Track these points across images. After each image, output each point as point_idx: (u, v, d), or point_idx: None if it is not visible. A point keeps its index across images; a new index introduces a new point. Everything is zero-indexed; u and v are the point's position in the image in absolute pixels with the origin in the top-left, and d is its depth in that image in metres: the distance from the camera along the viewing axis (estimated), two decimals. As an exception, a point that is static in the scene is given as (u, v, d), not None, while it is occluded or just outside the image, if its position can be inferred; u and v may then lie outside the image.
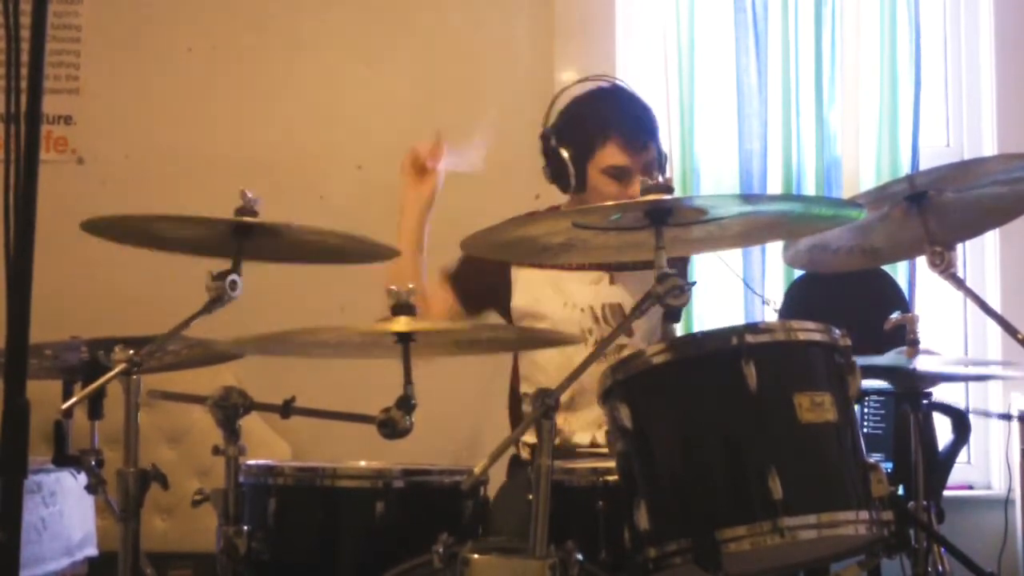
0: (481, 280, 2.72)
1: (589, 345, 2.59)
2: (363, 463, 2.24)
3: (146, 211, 2.08)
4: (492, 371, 2.86)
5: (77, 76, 3.98)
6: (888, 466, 2.97)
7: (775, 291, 3.73)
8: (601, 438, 2.55)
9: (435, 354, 2.20)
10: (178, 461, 3.67)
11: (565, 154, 2.63)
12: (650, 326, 2.68)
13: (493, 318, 2.78)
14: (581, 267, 2.71)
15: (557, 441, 1.83)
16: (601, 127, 2.63)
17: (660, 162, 2.68)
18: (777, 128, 3.84)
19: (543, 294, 2.71)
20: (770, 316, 3.67)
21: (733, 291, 3.77)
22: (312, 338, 2.16)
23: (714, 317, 3.75)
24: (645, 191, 1.90)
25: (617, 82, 2.79)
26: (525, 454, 2.57)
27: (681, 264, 2.75)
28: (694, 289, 1.96)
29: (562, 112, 2.69)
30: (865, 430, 3.07)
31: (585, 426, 2.61)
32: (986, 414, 3.44)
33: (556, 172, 2.66)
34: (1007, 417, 3.46)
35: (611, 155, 2.61)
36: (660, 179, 2.56)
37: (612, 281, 2.72)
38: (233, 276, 2.08)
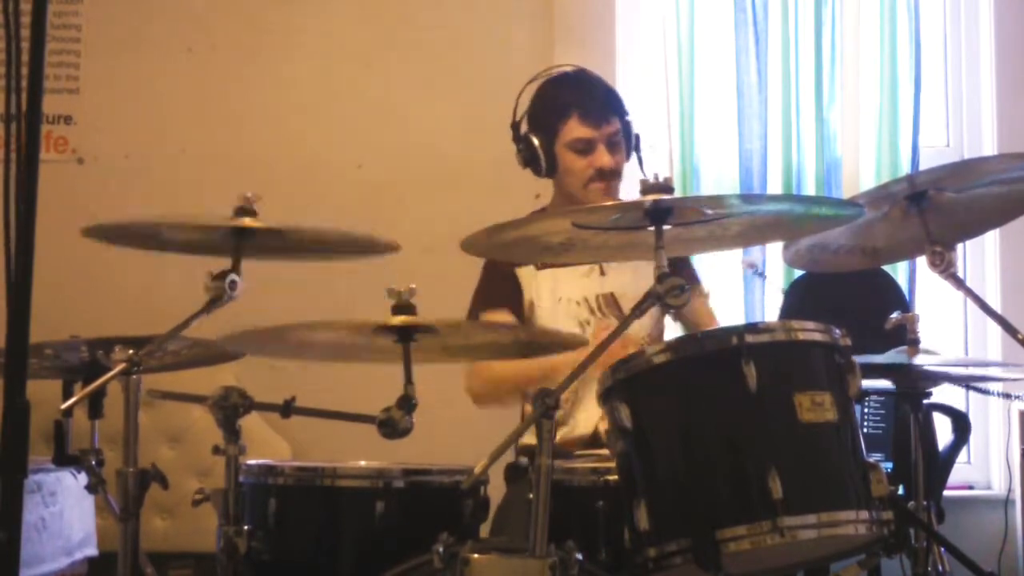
0: (509, 297, 2.75)
1: (587, 335, 2.61)
2: (363, 463, 2.24)
3: (146, 210, 2.08)
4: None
5: (77, 76, 3.98)
6: (888, 466, 2.97)
7: (774, 291, 3.73)
8: (604, 426, 2.54)
9: (431, 359, 2.19)
10: (178, 461, 3.67)
11: (535, 140, 2.72)
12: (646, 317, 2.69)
13: None
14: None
15: (558, 437, 1.83)
16: (561, 105, 2.72)
17: (630, 139, 2.75)
18: (777, 128, 3.84)
19: (538, 291, 2.75)
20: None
21: (733, 291, 3.77)
22: (308, 336, 2.15)
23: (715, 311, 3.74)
24: (645, 191, 1.90)
25: (580, 68, 2.84)
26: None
27: (683, 263, 2.76)
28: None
29: (530, 100, 2.77)
30: (865, 430, 3.07)
31: (587, 419, 2.63)
32: (986, 392, 3.41)
33: (528, 157, 2.74)
34: (1007, 396, 3.44)
35: (572, 129, 2.70)
36: (637, 159, 2.69)
37: (603, 272, 2.76)
38: (232, 276, 2.08)
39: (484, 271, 2.80)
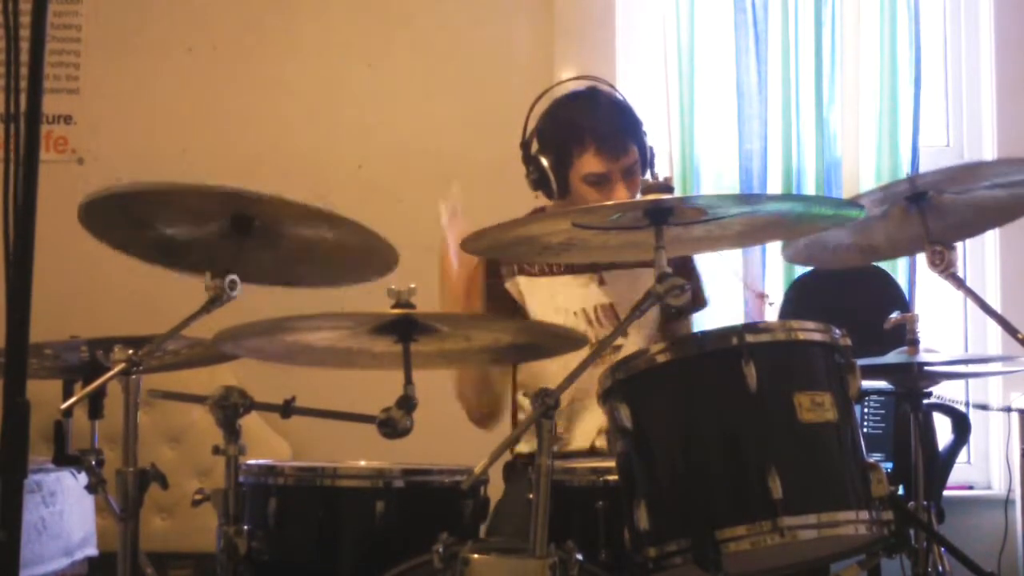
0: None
1: (585, 348, 2.58)
2: (363, 463, 2.24)
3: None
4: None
5: (77, 76, 3.98)
6: (888, 466, 2.97)
7: (775, 291, 3.73)
8: (600, 443, 2.53)
9: (431, 365, 2.18)
10: (178, 461, 3.67)
11: (545, 163, 2.61)
12: (645, 323, 2.67)
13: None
14: (570, 270, 2.70)
15: (556, 448, 1.83)
16: (577, 135, 2.59)
17: (646, 160, 2.64)
18: (777, 128, 3.84)
19: (535, 302, 2.70)
20: (769, 312, 3.68)
21: (733, 291, 3.77)
22: (307, 338, 2.14)
23: (714, 317, 3.74)
24: (645, 191, 1.90)
25: (594, 83, 2.73)
26: (522, 458, 2.57)
27: (683, 262, 2.72)
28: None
29: (540, 119, 2.67)
30: (865, 430, 3.07)
31: (584, 433, 2.59)
32: (985, 407, 3.44)
33: (538, 181, 2.64)
34: (1007, 410, 3.46)
35: (589, 163, 2.58)
36: (652, 176, 2.60)
37: (601, 282, 2.70)
38: (232, 276, 2.08)
39: None
